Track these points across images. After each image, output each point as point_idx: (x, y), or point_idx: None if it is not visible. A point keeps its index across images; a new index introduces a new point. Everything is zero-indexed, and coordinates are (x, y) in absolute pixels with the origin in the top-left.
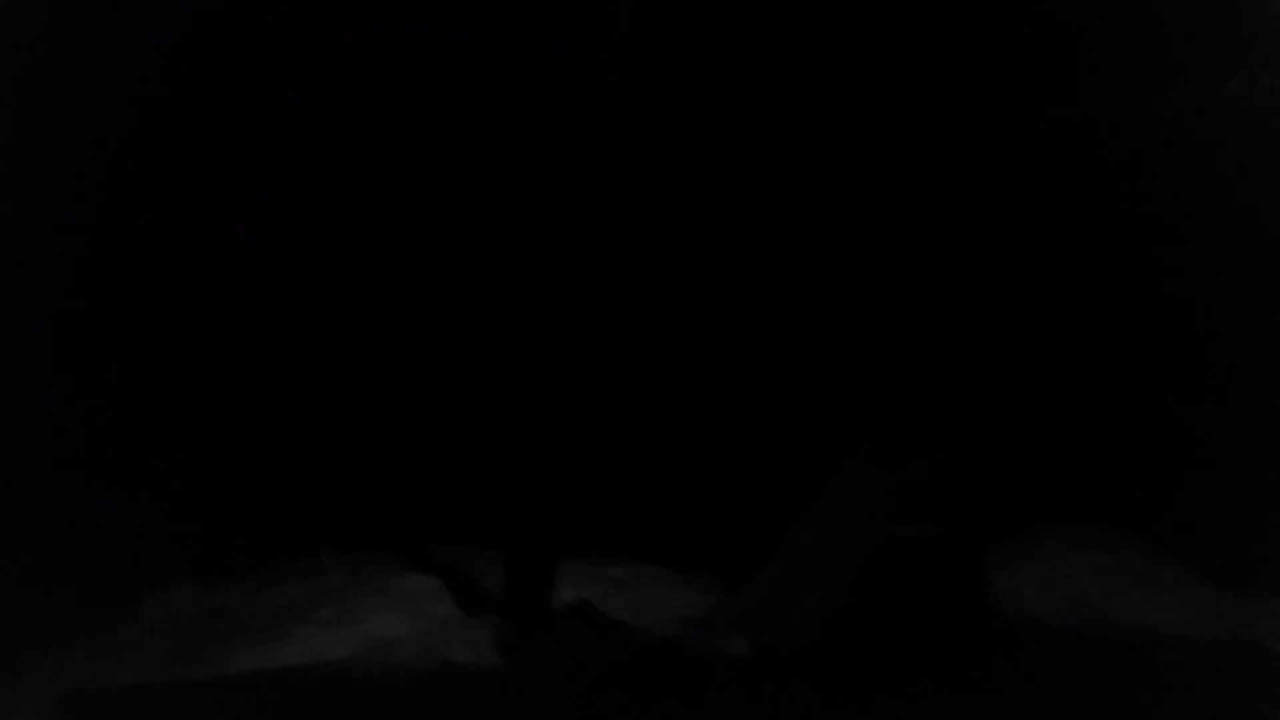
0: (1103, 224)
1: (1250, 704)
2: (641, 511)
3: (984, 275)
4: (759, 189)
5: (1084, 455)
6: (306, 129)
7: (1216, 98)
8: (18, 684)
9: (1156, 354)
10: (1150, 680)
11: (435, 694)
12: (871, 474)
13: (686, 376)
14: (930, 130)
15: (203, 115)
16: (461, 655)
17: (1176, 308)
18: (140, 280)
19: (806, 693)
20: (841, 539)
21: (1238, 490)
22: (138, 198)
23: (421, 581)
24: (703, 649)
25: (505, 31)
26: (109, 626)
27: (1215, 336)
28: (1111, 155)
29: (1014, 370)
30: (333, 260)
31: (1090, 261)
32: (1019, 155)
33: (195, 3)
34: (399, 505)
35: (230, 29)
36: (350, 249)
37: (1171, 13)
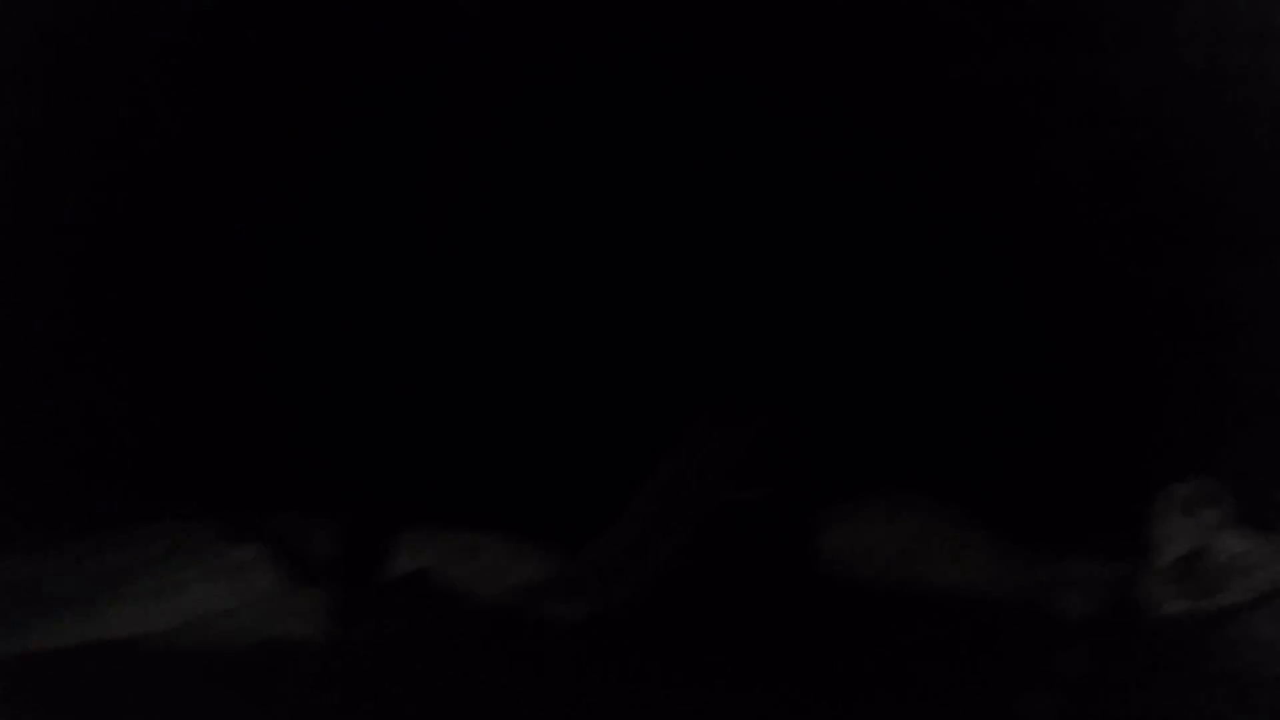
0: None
1: (1043, 663)
2: (486, 478)
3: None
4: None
5: (901, 422)
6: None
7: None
8: None
9: (972, 324)
10: (956, 641)
11: (262, 668)
12: (711, 440)
13: (530, 343)
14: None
15: None
16: (290, 628)
17: (1010, 275)
18: None
19: (638, 653)
20: (679, 504)
21: (1039, 457)
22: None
23: (248, 551)
24: (539, 614)
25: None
26: None
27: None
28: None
29: (841, 338)
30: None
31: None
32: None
33: None
34: (225, 471)
35: None
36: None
37: None
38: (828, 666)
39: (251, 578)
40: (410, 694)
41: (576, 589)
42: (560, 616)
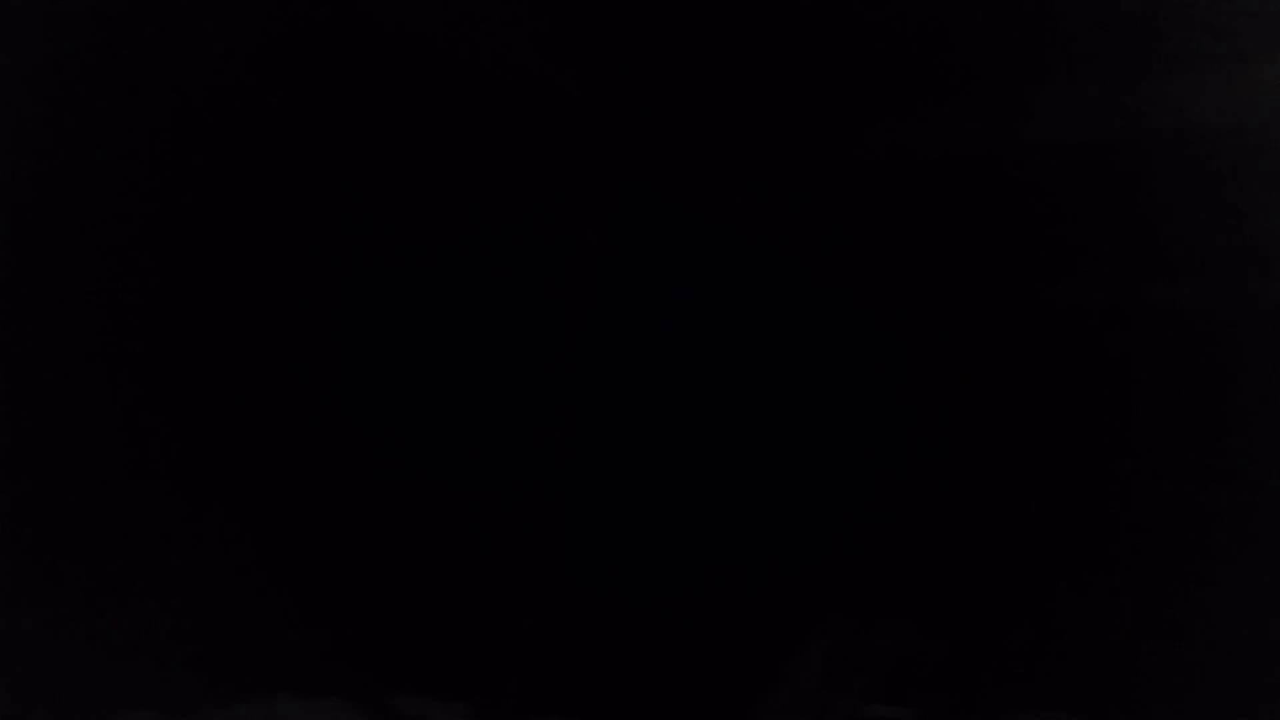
0: None
1: None
2: (611, 674)
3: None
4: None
5: (1055, 641)
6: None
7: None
8: None
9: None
10: None
11: None
12: (842, 650)
13: (652, 542)
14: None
15: None
16: None
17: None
18: None
19: None
20: (809, 716)
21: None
22: None
23: None
24: None
25: None
26: None
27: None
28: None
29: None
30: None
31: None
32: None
33: None
34: (362, 648)
35: None
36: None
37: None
38: None
39: None
40: None
41: None
42: None
